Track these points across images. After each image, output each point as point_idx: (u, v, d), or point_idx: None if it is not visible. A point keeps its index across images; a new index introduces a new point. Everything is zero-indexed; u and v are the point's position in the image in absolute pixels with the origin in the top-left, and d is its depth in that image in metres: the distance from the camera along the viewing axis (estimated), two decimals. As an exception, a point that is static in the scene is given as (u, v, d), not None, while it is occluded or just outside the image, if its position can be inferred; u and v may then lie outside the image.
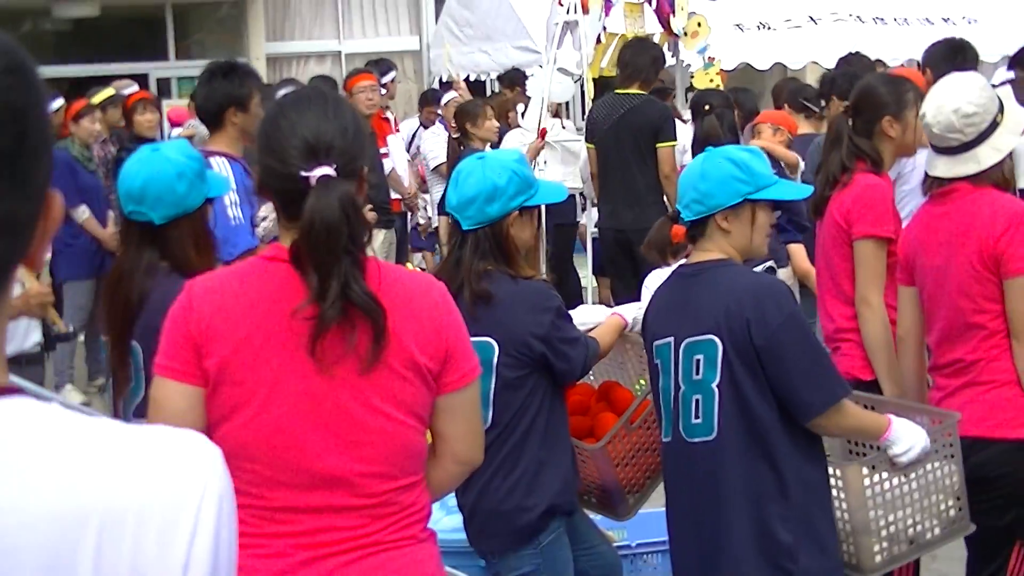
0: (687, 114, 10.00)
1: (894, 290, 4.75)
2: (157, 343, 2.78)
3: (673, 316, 3.91)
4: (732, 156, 3.90)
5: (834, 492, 3.91)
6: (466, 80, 13.42)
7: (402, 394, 2.72)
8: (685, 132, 9.00)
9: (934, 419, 4.10)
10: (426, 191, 11.50)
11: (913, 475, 3.90)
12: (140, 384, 3.60)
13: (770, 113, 8.45)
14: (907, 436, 3.83)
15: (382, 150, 10.00)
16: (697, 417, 3.81)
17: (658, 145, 8.54)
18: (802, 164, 7.69)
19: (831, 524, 3.85)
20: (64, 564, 1.18)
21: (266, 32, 17.83)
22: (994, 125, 4.41)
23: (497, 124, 9.70)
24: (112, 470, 1.21)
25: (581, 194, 10.15)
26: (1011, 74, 7.90)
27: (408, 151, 12.05)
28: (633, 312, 4.33)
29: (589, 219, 10.28)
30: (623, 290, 8.48)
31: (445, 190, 9.14)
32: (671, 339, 3.85)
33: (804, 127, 8.40)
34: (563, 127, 10.87)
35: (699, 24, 10.51)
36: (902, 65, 8.51)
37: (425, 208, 11.50)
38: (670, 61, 10.13)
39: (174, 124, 11.83)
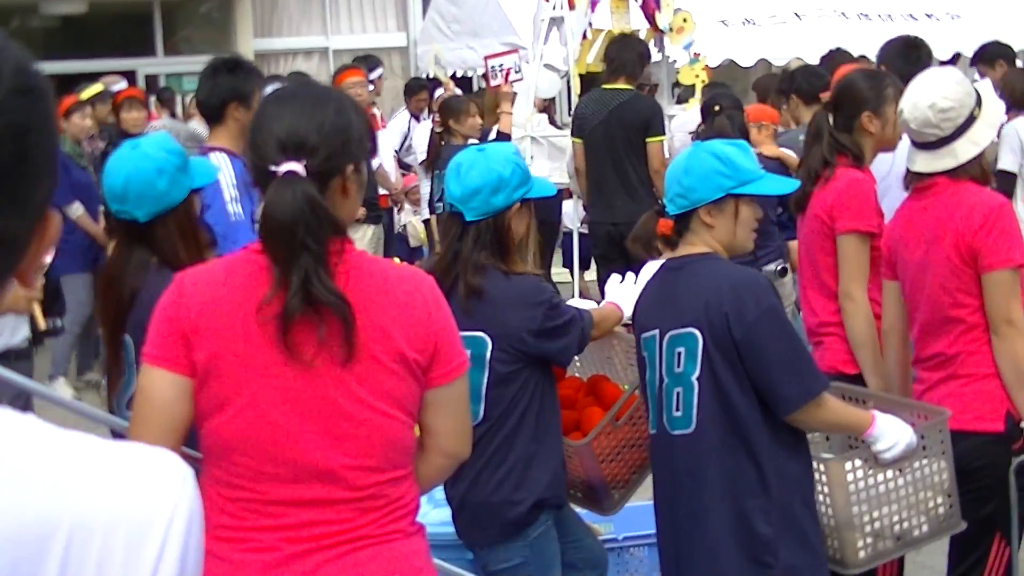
0: (672, 109, 10.04)
1: (878, 284, 4.76)
2: (144, 337, 2.79)
3: (658, 309, 3.92)
4: (716, 151, 3.89)
5: (819, 487, 3.91)
6: (452, 76, 13.43)
7: (390, 388, 2.73)
8: (678, 124, 9.04)
9: (923, 415, 4.10)
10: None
11: (901, 471, 3.89)
12: (132, 378, 3.59)
13: (750, 109, 8.46)
14: (892, 432, 3.82)
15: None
16: (678, 410, 3.82)
17: (648, 139, 8.59)
18: None
19: (813, 519, 3.85)
20: (29, 574, 1.18)
21: (254, 28, 17.78)
22: (971, 119, 4.41)
23: (480, 121, 9.68)
24: (82, 483, 1.21)
25: (568, 189, 10.16)
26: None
27: (403, 144, 12.05)
28: (625, 300, 4.34)
29: (576, 213, 10.30)
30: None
31: (431, 186, 9.11)
32: (656, 332, 3.86)
33: (807, 115, 8.39)
34: (551, 123, 10.89)
35: (684, 20, 10.50)
36: (857, 59, 8.50)
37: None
38: (656, 57, 10.15)
39: None
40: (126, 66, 16.02)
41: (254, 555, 2.70)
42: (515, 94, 10.33)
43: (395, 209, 11.30)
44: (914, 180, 4.55)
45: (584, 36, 10.04)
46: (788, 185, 4.36)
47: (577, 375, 4.77)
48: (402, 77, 17.56)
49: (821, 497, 3.91)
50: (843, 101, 4.97)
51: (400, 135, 12.30)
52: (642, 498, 4.72)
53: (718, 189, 3.81)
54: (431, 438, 2.89)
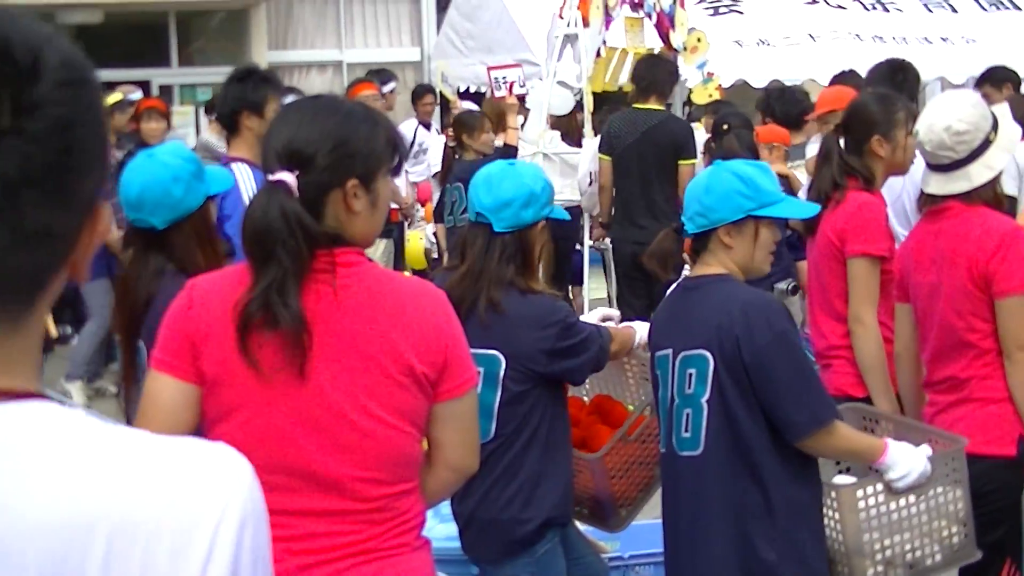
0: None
1: (888, 308, 4.76)
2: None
3: (672, 328, 3.92)
4: (738, 171, 3.87)
5: (830, 512, 3.88)
6: (466, 92, 13.44)
7: (399, 401, 2.73)
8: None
9: (940, 442, 4.06)
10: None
11: (914, 499, 3.86)
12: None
13: (761, 131, 8.47)
14: (905, 461, 3.79)
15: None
16: (686, 431, 3.80)
17: (680, 162, 8.61)
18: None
19: (819, 546, 3.82)
20: (72, 571, 1.16)
21: (268, 41, 17.80)
22: (986, 143, 4.41)
23: (493, 136, 9.69)
24: (127, 481, 1.19)
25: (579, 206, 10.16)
26: None
27: (411, 148, 12.04)
28: (643, 328, 4.31)
29: (587, 232, 10.30)
30: (635, 301, 8.63)
31: (440, 197, 9.15)
32: (670, 351, 3.85)
33: (797, 138, 8.42)
34: (564, 140, 10.87)
35: (699, 40, 10.52)
36: (843, 73, 8.53)
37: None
38: (670, 76, 10.15)
39: None
40: (140, 76, 16.03)
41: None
42: (528, 109, 10.32)
43: (405, 223, 11.30)
44: (928, 202, 4.55)
45: (598, 54, 10.02)
46: (809, 209, 4.32)
47: (578, 395, 4.74)
48: (416, 92, 17.62)
49: (832, 523, 3.88)
50: (853, 124, 4.96)
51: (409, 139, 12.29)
52: (648, 516, 4.72)
53: (738, 210, 3.78)
54: (439, 452, 2.88)
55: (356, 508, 2.74)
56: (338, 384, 2.71)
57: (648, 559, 5.17)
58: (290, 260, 2.65)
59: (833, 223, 4.73)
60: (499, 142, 9.60)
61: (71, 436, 1.20)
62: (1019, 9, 14.73)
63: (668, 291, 4.28)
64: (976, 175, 4.42)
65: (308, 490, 2.72)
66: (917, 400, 4.66)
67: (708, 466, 3.79)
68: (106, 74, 15.48)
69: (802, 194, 6.30)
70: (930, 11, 14.43)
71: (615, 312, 4.54)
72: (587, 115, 9.75)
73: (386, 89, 11.18)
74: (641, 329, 4.32)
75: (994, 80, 8.77)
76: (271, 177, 2.71)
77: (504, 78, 11.11)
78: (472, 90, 13.50)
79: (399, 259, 10.39)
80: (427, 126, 12.34)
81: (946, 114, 4.45)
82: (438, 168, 10.66)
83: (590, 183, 9.25)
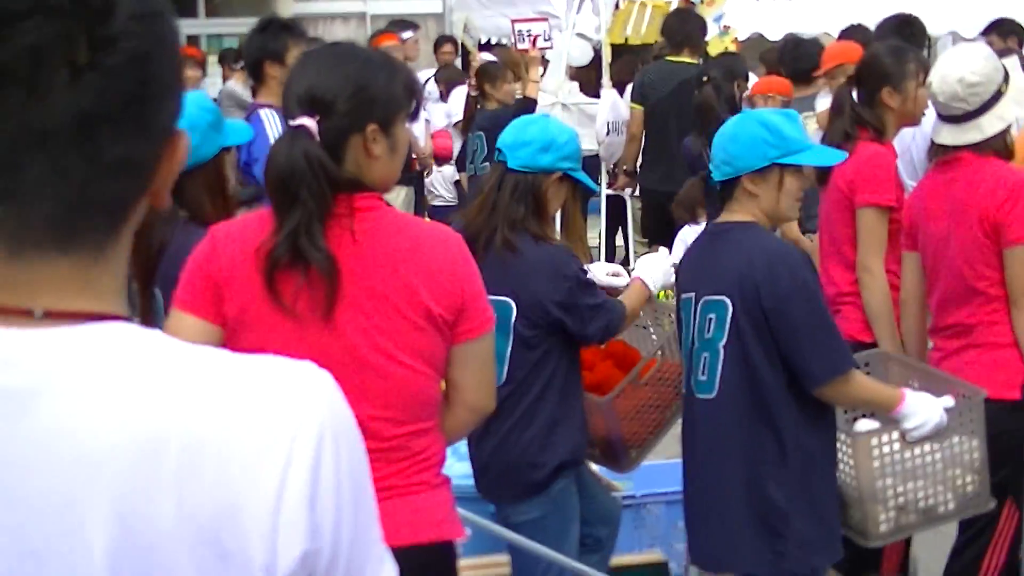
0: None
1: (896, 256, 4.77)
2: (174, 289, 2.80)
3: (697, 273, 3.91)
4: (764, 119, 3.86)
5: (846, 459, 3.87)
6: (487, 43, 13.36)
7: (415, 342, 2.73)
8: None
9: (959, 391, 4.03)
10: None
11: (930, 448, 3.84)
12: (159, 327, 3.62)
13: (760, 82, 8.45)
14: (921, 411, 3.78)
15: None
16: (703, 374, 3.81)
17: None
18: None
19: (830, 493, 3.81)
20: (144, 488, 1.15)
21: (293, -8, 17.78)
22: (998, 95, 4.42)
23: (516, 86, 9.66)
24: (200, 398, 1.18)
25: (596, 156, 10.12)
26: None
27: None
28: (653, 275, 4.27)
29: (604, 182, 10.27)
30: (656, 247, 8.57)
31: (463, 146, 9.16)
32: (693, 295, 3.85)
33: (803, 91, 8.37)
34: (582, 91, 10.82)
35: (716, -8, 10.47)
36: (851, 27, 8.52)
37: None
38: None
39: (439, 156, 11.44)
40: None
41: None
42: (547, 61, 10.28)
43: (423, 172, 11.25)
44: (939, 153, 4.54)
45: (616, 7, 9.97)
46: (834, 156, 4.22)
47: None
48: (439, 43, 17.54)
49: (847, 469, 3.88)
50: (865, 76, 4.95)
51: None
52: (660, 457, 4.74)
53: (763, 158, 3.75)
54: (456, 393, 2.89)
55: (374, 447, 2.69)
56: (356, 326, 2.71)
57: (659, 498, 5.20)
58: (315, 203, 2.65)
59: (843, 173, 4.71)
60: (518, 93, 9.57)
61: (147, 355, 1.19)
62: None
63: (681, 230, 4.27)
64: (988, 126, 4.42)
65: None
66: (920, 346, 4.68)
67: (722, 410, 3.79)
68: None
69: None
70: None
71: (621, 269, 4.49)
72: (605, 67, 9.70)
73: (405, 36, 11.12)
74: (651, 271, 4.27)
75: (1001, 31, 8.88)
76: (292, 122, 2.71)
77: (529, 31, 11.04)
78: (493, 42, 13.41)
79: (419, 206, 10.36)
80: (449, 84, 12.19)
81: (959, 66, 4.44)
82: (459, 118, 10.59)
83: (608, 133, 9.20)
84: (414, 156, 10.21)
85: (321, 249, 2.64)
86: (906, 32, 6.55)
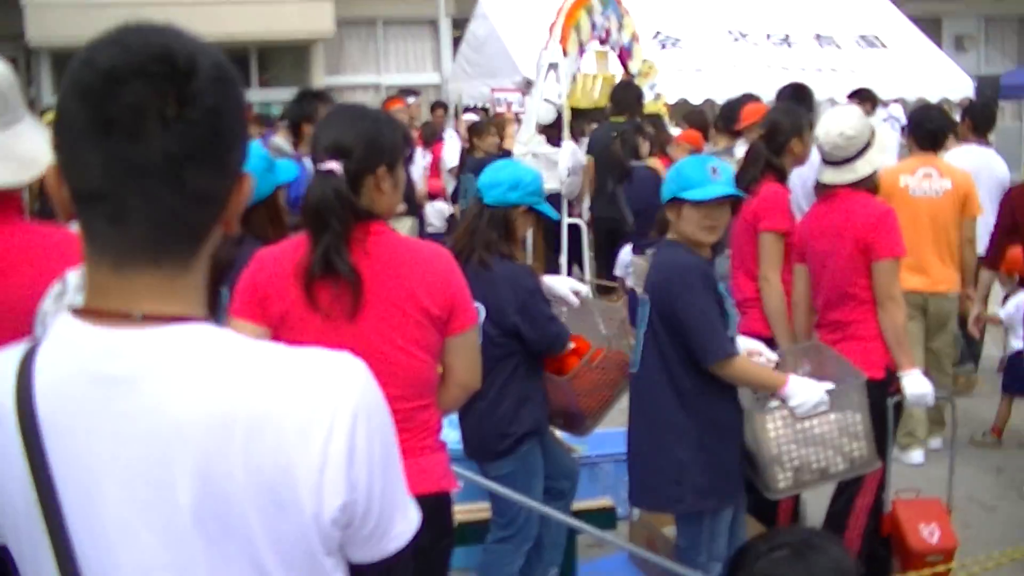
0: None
1: (789, 269, 4.80)
2: None
3: (646, 278, 3.92)
4: (679, 165, 3.87)
5: (752, 431, 3.83)
6: (474, 107, 13.37)
7: (418, 336, 2.73)
8: None
9: (850, 374, 4.00)
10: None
11: (817, 421, 3.81)
12: (222, 321, 3.59)
13: (680, 135, 8.62)
14: (801, 392, 3.74)
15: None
16: (636, 355, 3.86)
17: (634, 163, 8.53)
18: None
19: (728, 452, 3.77)
20: (219, 452, 1.16)
21: (325, 68, 17.76)
22: (868, 145, 4.49)
23: (498, 139, 9.69)
24: (261, 383, 1.18)
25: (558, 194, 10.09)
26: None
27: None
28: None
29: (563, 212, 10.22)
30: (606, 263, 8.91)
31: (456, 186, 9.14)
32: (645, 295, 3.86)
33: (721, 142, 8.38)
34: (548, 143, 10.77)
35: (650, 67, 10.48)
36: (746, 95, 8.66)
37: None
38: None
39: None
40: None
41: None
42: (520, 120, 10.28)
43: (420, 207, 11.20)
44: (823, 188, 4.61)
45: (574, 78, 9.96)
46: (714, 191, 3.80)
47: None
48: (436, 107, 17.56)
49: (752, 438, 3.83)
50: (777, 131, 4.97)
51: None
52: (611, 425, 4.72)
53: (668, 192, 3.76)
54: (450, 374, 2.88)
55: (387, 419, 2.72)
56: (372, 324, 2.70)
57: (609, 458, 5.22)
58: (341, 228, 2.66)
59: (750, 205, 4.72)
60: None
61: (221, 349, 1.20)
62: (885, 47, 14.81)
63: (621, 250, 4.19)
64: (861, 168, 4.48)
65: None
66: (808, 338, 4.68)
67: (642, 383, 3.83)
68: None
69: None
70: (822, 47, 14.54)
71: (581, 286, 4.44)
72: (566, 124, 9.69)
73: (410, 100, 11.14)
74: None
75: (860, 97, 9.09)
76: (322, 166, 2.70)
77: (505, 98, 11.04)
78: (478, 105, 13.42)
79: (420, 234, 10.33)
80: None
81: (840, 123, 4.50)
82: (455, 164, 10.60)
83: (568, 175, 9.21)
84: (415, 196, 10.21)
85: (347, 264, 2.65)
86: (800, 96, 6.62)
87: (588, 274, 9.50)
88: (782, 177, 4.93)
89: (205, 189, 1.19)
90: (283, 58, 18.29)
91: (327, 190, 2.66)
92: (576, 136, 9.85)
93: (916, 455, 6.28)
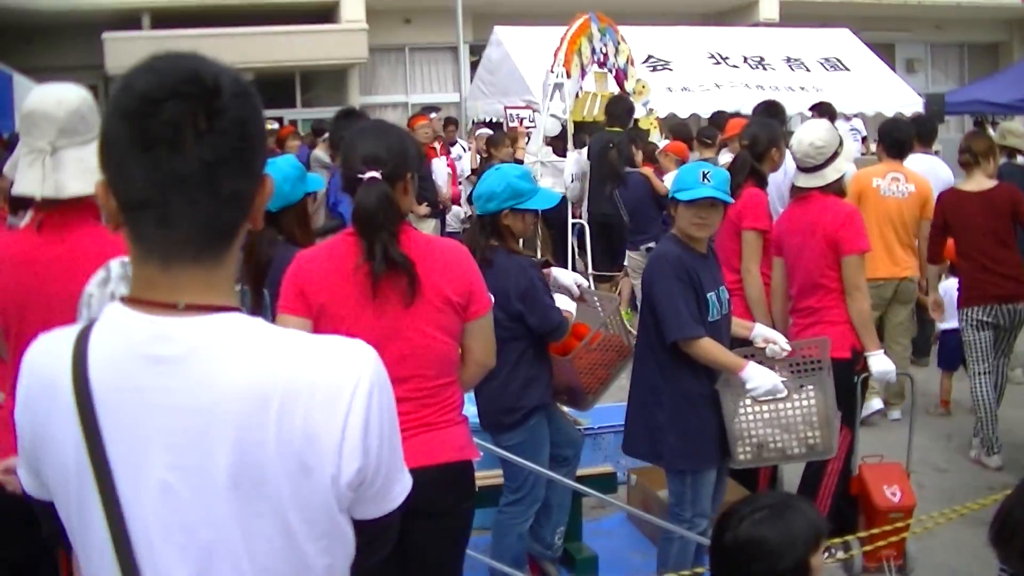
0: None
1: (767, 263, 4.80)
2: (277, 291, 2.77)
3: None
4: (679, 172, 3.78)
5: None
6: (489, 122, 13.32)
7: (441, 321, 2.69)
8: None
9: (812, 351, 3.90)
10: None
11: (774, 407, 3.71)
12: (267, 318, 3.54)
13: (667, 146, 8.59)
14: (756, 377, 3.64)
15: (429, 168, 9.97)
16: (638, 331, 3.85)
17: (628, 170, 8.53)
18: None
19: (698, 420, 3.69)
20: (256, 423, 1.16)
21: (360, 89, 17.75)
22: (835, 154, 4.47)
23: (512, 150, 9.65)
24: (292, 361, 1.19)
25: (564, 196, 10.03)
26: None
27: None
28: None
29: (570, 213, 10.16)
30: (602, 256, 8.89)
31: (471, 191, 9.19)
32: None
33: (705, 153, 8.32)
34: (555, 153, 10.71)
35: (643, 86, 10.46)
36: (736, 115, 8.67)
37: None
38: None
39: None
40: (276, 114, 15.98)
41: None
42: (529, 133, 10.24)
43: (445, 210, 11.17)
44: (797, 192, 4.60)
45: (576, 96, 9.91)
46: (701, 192, 3.72)
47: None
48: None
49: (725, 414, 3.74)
50: (757, 143, 4.96)
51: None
52: (611, 401, 4.69)
53: (670, 193, 3.78)
54: (468, 354, 2.84)
55: (415, 395, 2.70)
56: (402, 311, 2.66)
57: (610, 430, 5.18)
58: (392, 228, 2.64)
59: (734, 207, 4.65)
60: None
61: (256, 335, 1.21)
62: (847, 69, 14.76)
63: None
64: (829, 175, 4.47)
65: None
66: (784, 323, 4.66)
67: (637, 353, 3.84)
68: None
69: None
70: (793, 71, 14.54)
71: (583, 280, 4.37)
72: (570, 136, 9.64)
73: (432, 116, 11.13)
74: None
75: (819, 111, 9.06)
76: (365, 175, 2.66)
77: (517, 114, 10.98)
78: (492, 120, 13.37)
79: (442, 235, 10.28)
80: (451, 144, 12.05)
81: (810, 134, 4.49)
82: (469, 171, 10.58)
83: (572, 181, 9.16)
84: (439, 199, 10.16)
85: (404, 257, 2.63)
86: (773, 111, 6.67)
87: (589, 266, 9.44)
88: (762, 182, 4.93)
89: (236, 191, 1.19)
90: (323, 81, 18.28)
91: (380, 196, 2.63)
92: (578, 146, 9.81)
93: (894, 412, 6.59)
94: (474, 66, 16.33)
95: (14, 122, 6.74)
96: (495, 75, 14.20)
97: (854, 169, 6.27)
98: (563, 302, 4.00)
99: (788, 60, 14.71)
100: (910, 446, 4.59)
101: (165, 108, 1.13)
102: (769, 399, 3.69)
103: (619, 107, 8.94)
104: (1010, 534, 2.08)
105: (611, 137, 8.40)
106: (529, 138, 10.24)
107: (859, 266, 4.34)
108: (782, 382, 3.69)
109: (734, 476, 4.30)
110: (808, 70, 14.60)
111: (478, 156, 10.90)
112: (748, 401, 3.70)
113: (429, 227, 8.99)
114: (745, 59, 14.52)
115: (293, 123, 16.41)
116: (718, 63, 14.33)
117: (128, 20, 16.00)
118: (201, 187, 1.15)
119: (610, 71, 10.18)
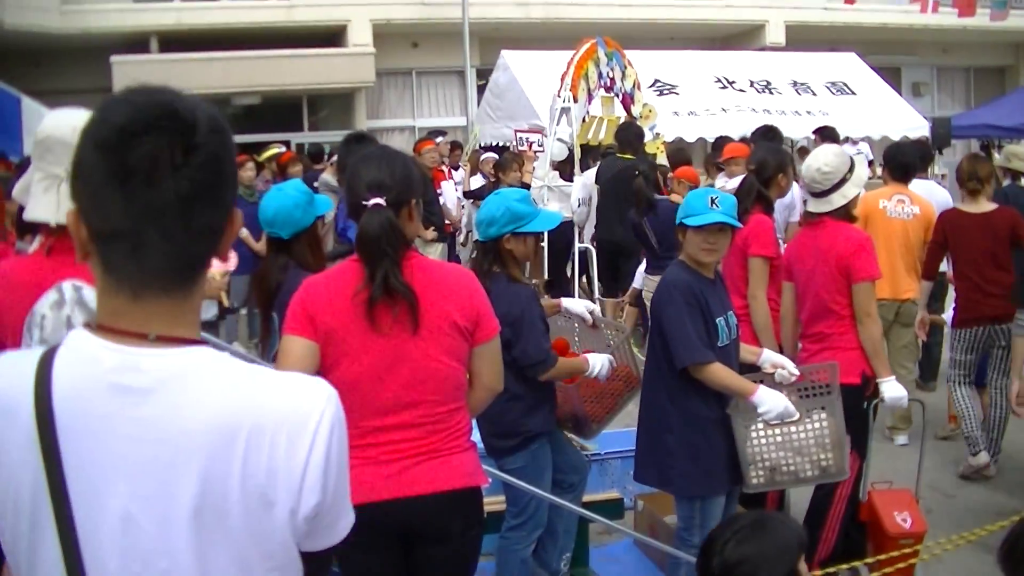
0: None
1: (775, 288, 4.80)
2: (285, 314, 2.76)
3: None
4: (687, 198, 3.78)
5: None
6: (496, 146, 13.36)
7: (448, 346, 2.68)
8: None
9: (821, 376, 3.89)
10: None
11: (786, 430, 3.71)
12: (275, 340, 3.55)
13: (678, 171, 8.57)
14: (768, 401, 3.63)
15: (438, 191, 9.98)
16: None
17: (657, 196, 8.53)
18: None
19: (708, 445, 3.68)
20: (221, 458, 1.18)
21: (367, 113, 17.81)
22: (844, 180, 4.45)
23: (519, 174, 9.64)
24: (258, 397, 1.20)
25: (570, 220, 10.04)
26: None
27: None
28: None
29: (576, 237, 10.17)
30: (610, 279, 8.91)
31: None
32: None
33: (717, 180, 8.34)
34: (561, 177, 10.74)
35: (650, 110, 10.46)
36: (740, 140, 8.69)
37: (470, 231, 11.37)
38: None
39: None
40: (283, 138, 16.04)
41: (358, 462, 2.62)
42: (537, 157, 10.28)
43: (456, 233, 11.20)
44: (807, 217, 4.61)
45: (583, 120, 9.93)
46: (708, 219, 3.74)
47: (574, 347, 4.60)
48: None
49: (738, 438, 3.75)
50: (764, 169, 4.99)
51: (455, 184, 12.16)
52: (618, 427, 4.66)
53: (678, 219, 3.78)
54: (476, 379, 2.83)
55: (424, 421, 2.69)
56: (411, 337, 2.66)
57: (617, 455, 5.17)
58: (395, 254, 2.64)
59: (741, 234, 4.67)
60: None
61: (221, 368, 1.22)
62: (853, 93, 14.78)
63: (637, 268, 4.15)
64: (836, 200, 4.45)
65: (391, 411, 2.67)
66: (793, 347, 4.66)
67: (647, 378, 3.82)
68: (261, 136, 15.51)
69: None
70: (799, 95, 14.53)
71: (595, 307, 4.39)
72: (576, 160, 9.66)
73: (438, 140, 11.16)
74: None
75: (823, 135, 9.17)
76: (369, 202, 2.66)
77: (526, 138, 11.05)
78: (499, 144, 13.40)
79: (451, 257, 10.29)
80: (456, 168, 12.09)
81: (818, 159, 4.48)
82: (480, 195, 10.59)
83: (579, 204, 9.17)
84: (447, 222, 10.18)
85: (404, 284, 2.62)
86: (770, 135, 6.74)
87: (596, 291, 9.43)
88: (769, 207, 4.93)
89: (208, 223, 1.21)
90: (330, 104, 18.37)
91: (383, 222, 2.63)
92: (583, 169, 9.83)
93: (901, 437, 6.60)
94: (481, 90, 16.40)
95: (22, 145, 6.76)
96: (502, 99, 14.25)
97: (863, 192, 6.31)
98: (596, 360, 3.92)
99: (794, 84, 14.74)
100: (920, 472, 4.57)
101: (144, 142, 1.14)
102: (780, 422, 3.68)
103: (629, 133, 8.95)
104: (1019, 559, 2.07)
105: (633, 164, 8.37)
106: (537, 162, 10.28)
107: (870, 293, 4.35)
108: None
109: (743, 502, 4.28)
110: (814, 94, 14.62)
111: (482, 178, 10.92)
112: (760, 425, 3.69)
113: (436, 251, 9.01)
114: (752, 83, 14.56)
115: (300, 147, 16.52)
116: (725, 87, 14.36)
117: (136, 43, 16.12)
118: (175, 220, 1.17)
119: (617, 95, 10.21)
